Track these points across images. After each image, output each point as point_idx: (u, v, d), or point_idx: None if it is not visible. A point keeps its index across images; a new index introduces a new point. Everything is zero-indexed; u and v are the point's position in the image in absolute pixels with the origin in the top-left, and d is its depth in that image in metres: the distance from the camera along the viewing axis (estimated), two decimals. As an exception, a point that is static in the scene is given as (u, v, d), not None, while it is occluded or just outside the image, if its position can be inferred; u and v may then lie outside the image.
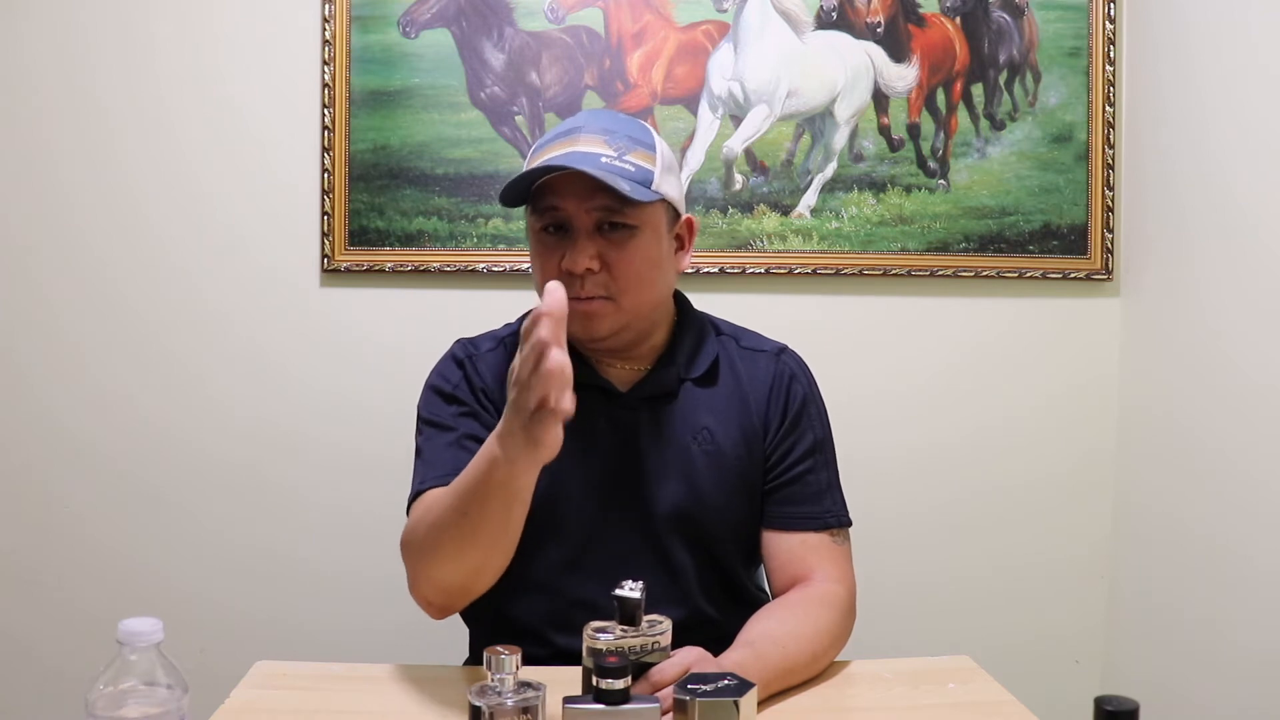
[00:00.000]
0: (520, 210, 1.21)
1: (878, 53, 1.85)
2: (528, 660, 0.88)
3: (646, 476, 1.18)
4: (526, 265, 1.78)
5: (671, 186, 1.18)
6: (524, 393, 0.89)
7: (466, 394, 1.20)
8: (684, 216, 1.22)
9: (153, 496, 1.81)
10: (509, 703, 0.83)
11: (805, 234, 1.85)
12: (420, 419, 1.21)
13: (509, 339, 1.25)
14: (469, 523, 1.00)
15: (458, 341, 1.27)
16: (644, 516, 1.17)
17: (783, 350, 1.28)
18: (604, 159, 1.11)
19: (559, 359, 0.87)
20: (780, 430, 1.22)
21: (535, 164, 1.14)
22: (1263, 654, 1.47)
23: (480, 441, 1.04)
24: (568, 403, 0.88)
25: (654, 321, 1.22)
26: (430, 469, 1.14)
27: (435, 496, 1.08)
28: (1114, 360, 1.90)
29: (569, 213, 1.14)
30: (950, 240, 1.87)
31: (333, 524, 1.82)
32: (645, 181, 1.13)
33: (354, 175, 1.80)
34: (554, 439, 0.91)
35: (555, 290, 0.88)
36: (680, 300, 1.28)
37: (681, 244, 1.23)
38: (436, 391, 1.21)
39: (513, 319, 1.30)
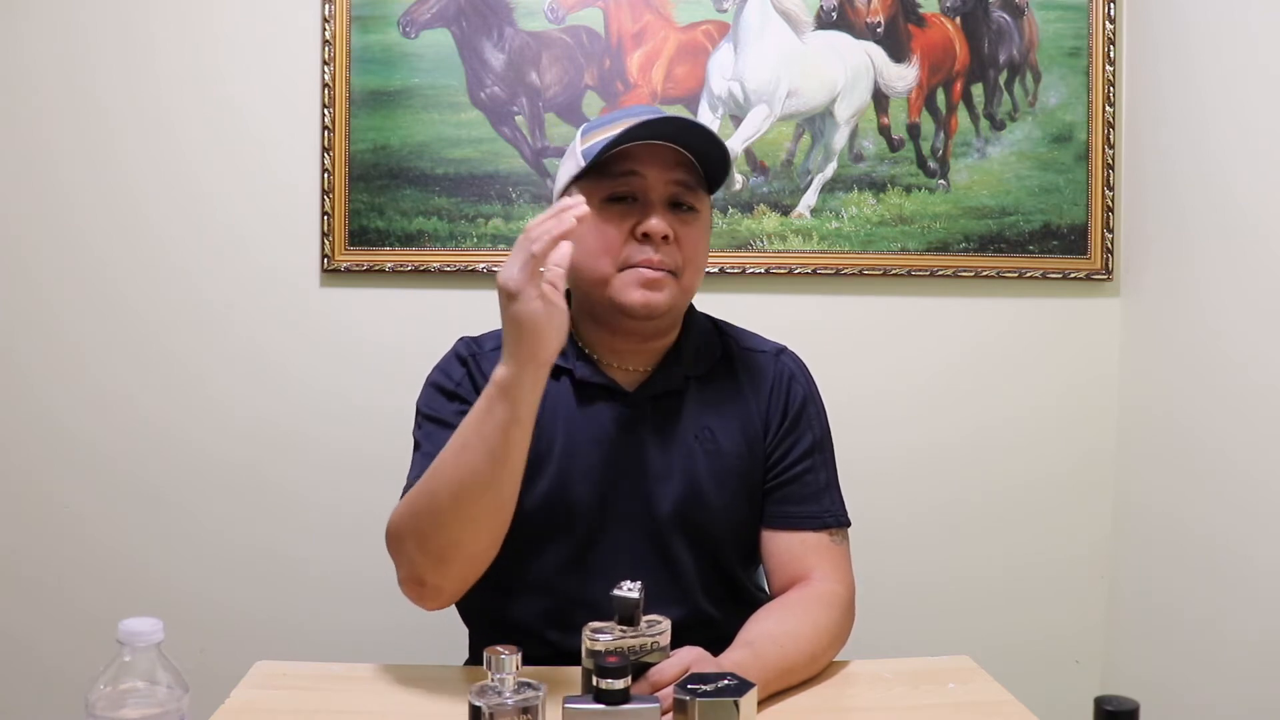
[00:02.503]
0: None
1: (878, 53, 1.85)
2: (528, 660, 0.88)
3: (649, 475, 1.18)
4: (526, 265, 1.78)
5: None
6: (528, 240, 0.95)
7: (469, 392, 1.18)
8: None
9: (153, 496, 1.81)
10: (509, 703, 0.83)
11: (805, 234, 1.85)
12: (420, 414, 1.19)
13: None
14: (466, 462, 1.01)
15: (461, 339, 1.25)
16: (646, 516, 1.17)
17: (782, 351, 1.28)
18: None
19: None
20: (780, 430, 1.22)
21: (622, 129, 1.12)
22: (1263, 653, 1.47)
23: None
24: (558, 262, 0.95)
25: (679, 314, 1.23)
26: (428, 463, 1.12)
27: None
28: (1114, 360, 1.90)
29: (649, 181, 1.14)
30: (950, 240, 1.87)
31: (333, 524, 1.82)
32: None
33: (354, 175, 1.80)
34: (538, 310, 0.95)
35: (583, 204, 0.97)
36: None
37: None
38: (438, 388, 1.20)
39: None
